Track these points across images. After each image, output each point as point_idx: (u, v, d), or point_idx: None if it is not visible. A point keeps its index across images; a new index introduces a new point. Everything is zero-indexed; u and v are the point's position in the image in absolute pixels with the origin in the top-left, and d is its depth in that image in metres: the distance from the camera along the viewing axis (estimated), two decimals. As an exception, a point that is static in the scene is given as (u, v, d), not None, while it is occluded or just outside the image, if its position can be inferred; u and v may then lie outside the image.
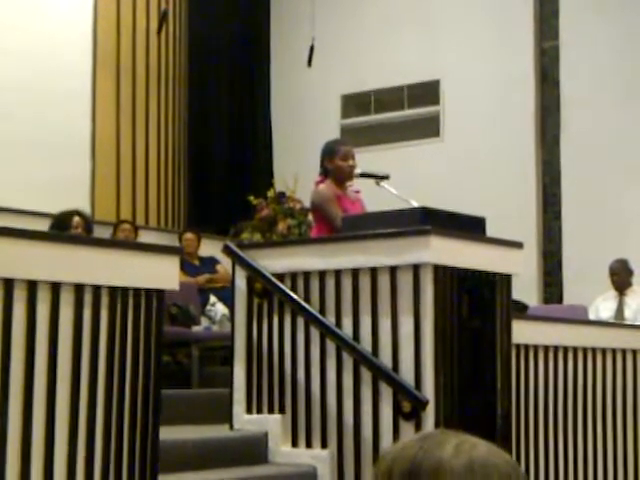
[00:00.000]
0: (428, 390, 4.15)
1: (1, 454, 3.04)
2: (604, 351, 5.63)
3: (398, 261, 4.26)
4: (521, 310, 7.00)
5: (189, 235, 8.45)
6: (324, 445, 4.46)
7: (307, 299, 4.55)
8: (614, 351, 5.71)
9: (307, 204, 6.87)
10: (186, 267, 7.82)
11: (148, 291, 3.51)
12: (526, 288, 7.83)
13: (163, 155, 9.72)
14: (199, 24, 10.26)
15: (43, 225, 5.90)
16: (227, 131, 10.43)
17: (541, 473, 5.10)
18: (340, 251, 4.46)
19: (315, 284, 4.55)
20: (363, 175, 5.27)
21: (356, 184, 5.45)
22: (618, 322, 7.43)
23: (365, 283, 4.37)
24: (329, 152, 5.34)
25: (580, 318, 7.00)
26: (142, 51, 9.61)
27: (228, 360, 5.09)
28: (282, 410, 4.63)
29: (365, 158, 6.89)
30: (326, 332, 4.45)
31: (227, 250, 4.88)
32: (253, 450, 4.60)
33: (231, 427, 4.75)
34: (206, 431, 4.83)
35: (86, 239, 4.46)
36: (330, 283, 4.50)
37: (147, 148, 9.55)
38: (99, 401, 3.32)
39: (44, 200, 7.59)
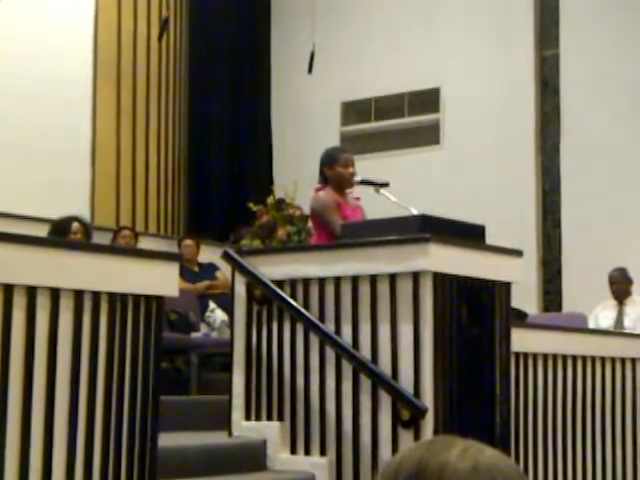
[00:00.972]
0: (427, 398, 4.15)
1: (0, 459, 3.04)
2: (603, 360, 5.63)
3: (398, 268, 4.26)
4: (520, 318, 6.99)
5: (188, 241, 8.45)
6: (323, 452, 4.45)
7: (306, 306, 4.55)
8: (613, 360, 5.70)
9: (307, 211, 6.87)
10: (185, 273, 7.81)
11: (147, 297, 3.51)
12: (525, 296, 7.82)
13: (163, 161, 9.73)
14: (200, 31, 10.27)
15: (42, 231, 5.90)
16: (227, 138, 10.43)
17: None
18: (340, 258, 4.46)
19: (315, 291, 4.55)
20: (363, 182, 5.27)
21: (356, 191, 5.45)
22: (617, 331, 7.42)
23: (365, 290, 4.37)
24: (329, 159, 5.34)
25: (579, 327, 7.00)
26: (143, 58, 9.62)
27: (227, 367, 5.09)
28: (281, 417, 4.62)
29: (365, 165, 6.89)
30: (325, 339, 4.45)
31: (226, 256, 4.88)
32: (252, 457, 4.59)
33: (230, 434, 4.75)
34: (205, 438, 4.82)
35: (85, 245, 4.47)
36: (330, 290, 4.50)
37: (147, 154, 9.56)
38: (98, 407, 3.32)
39: (44, 206, 7.59)
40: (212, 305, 7.58)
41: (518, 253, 4.71)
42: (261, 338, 4.71)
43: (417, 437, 4.15)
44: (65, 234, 5.89)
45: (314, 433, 4.50)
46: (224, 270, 7.70)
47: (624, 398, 5.76)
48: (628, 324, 7.78)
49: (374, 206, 5.32)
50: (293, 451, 4.57)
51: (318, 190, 5.33)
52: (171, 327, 6.90)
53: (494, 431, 4.40)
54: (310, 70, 9.44)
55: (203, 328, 7.36)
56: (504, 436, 4.49)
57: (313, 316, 4.50)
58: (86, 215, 7.58)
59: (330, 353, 4.45)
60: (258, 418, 4.69)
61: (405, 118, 10.07)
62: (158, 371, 3.55)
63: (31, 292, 3.16)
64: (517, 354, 4.90)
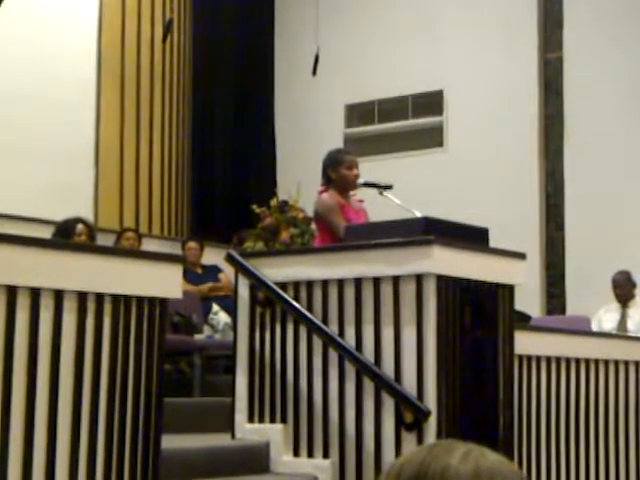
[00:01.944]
0: (430, 401, 4.15)
1: (3, 462, 3.04)
2: (607, 363, 5.62)
3: (401, 271, 4.26)
4: (524, 321, 6.99)
5: (192, 244, 8.45)
6: (326, 455, 4.45)
7: (310, 308, 4.55)
8: (617, 363, 5.70)
9: (310, 213, 6.87)
10: (189, 276, 7.82)
11: (151, 299, 3.52)
12: (529, 299, 7.82)
13: (167, 163, 9.74)
14: (204, 33, 10.28)
15: (46, 232, 5.91)
16: (231, 140, 10.44)
17: (543, 484, 5.09)
18: (343, 261, 4.46)
19: (318, 293, 4.55)
20: (366, 185, 5.27)
21: (359, 194, 5.45)
22: (621, 334, 7.42)
23: (368, 293, 4.37)
24: (333, 161, 5.33)
25: (583, 329, 6.99)
26: (147, 60, 9.63)
27: (230, 369, 5.09)
28: (284, 419, 4.62)
29: (368, 168, 6.89)
30: (328, 342, 4.45)
31: (230, 259, 4.88)
32: (255, 459, 4.59)
33: (233, 436, 4.75)
34: (208, 440, 4.82)
35: (89, 247, 4.47)
36: (333, 292, 4.50)
37: (151, 156, 9.57)
38: (101, 408, 3.32)
39: (48, 207, 7.60)
40: (215, 307, 7.58)
41: (521, 256, 4.71)
42: (264, 340, 4.71)
43: (420, 440, 4.15)
44: (69, 236, 5.90)
45: (317, 435, 4.49)
46: (227, 272, 7.71)
47: (627, 401, 5.75)
48: (631, 327, 7.78)
49: (377, 208, 5.32)
50: (296, 453, 4.57)
51: (321, 192, 5.33)
52: (174, 329, 6.91)
53: (497, 434, 4.40)
54: (314, 72, 9.45)
55: (206, 330, 7.37)
56: (507, 439, 4.49)
57: (316, 318, 4.50)
58: (90, 217, 7.59)
59: (333, 355, 4.45)
60: (261, 420, 4.69)
61: (409, 120, 10.07)
62: (161, 373, 3.56)
63: (35, 293, 3.17)
64: (520, 357, 4.89)
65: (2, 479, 3.03)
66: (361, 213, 5.35)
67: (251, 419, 4.71)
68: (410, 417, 4.16)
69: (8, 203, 7.60)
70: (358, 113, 10.43)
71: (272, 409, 4.66)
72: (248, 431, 4.70)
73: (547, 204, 9.34)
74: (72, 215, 6.26)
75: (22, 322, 3.13)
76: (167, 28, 9.55)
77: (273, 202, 9.24)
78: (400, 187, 5.38)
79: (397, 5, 10.17)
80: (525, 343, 4.85)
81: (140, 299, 3.48)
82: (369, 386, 4.32)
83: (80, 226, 6.07)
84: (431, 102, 9.90)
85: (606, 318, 7.92)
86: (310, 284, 4.57)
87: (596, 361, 5.54)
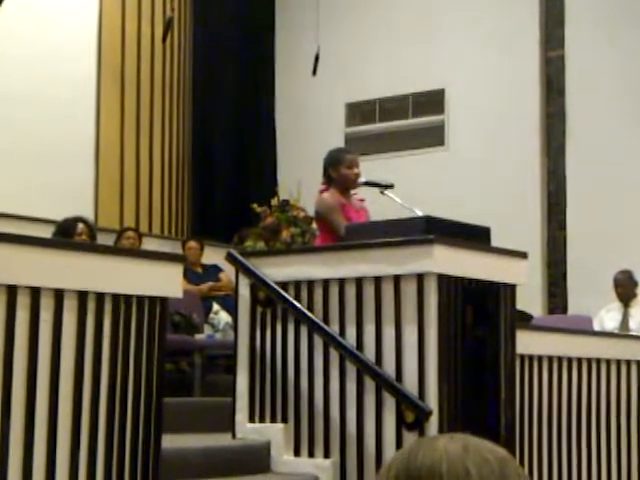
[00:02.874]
0: (432, 400, 4.14)
1: (3, 458, 3.03)
2: (608, 362, 5.61)
3: (402, 270, 4.25)
4: (525, 320, 6.98)
5: (192, 243, 8.44)
6: (327, 455, 4.44)
7: (310, 308, 4.54)
8: (619, 362, 5.69)
9: (311, 212, 6.86)
10: (189, 275, 7.81)
11: (151, 299, 3.51)
12: (530, 298, 7.81)
13: (167, 162, 9.73)
14: (204, 32, 10.27)
15: (46, 232, 5.90)
16: (231, 139, 10.43)
17: (545, 484, 5.08)
18: (344, 260, 4.45)
19: (319, 293, 4.54)
20: (367, 184, 5.26)
21: (360, 193, 5.44)
22: (623, 333, 7.41)
23: (369, 292, 4.36)
24: (334, 160, 5.32)
25: (584, 329, 6.99)
26: (147, 59, 9.62)
27: (231, 368, 5.08)
28: (285, 419, 4.61)
29: (369, 167, 6.88)
30: (329, 341, 4.44)
31: (230, 258, 4.87)
32: (255, 459, 4.58)
33: (233, 436, 4.74)
34: (208, 440, 4.81)
35: (90, 246, 4.46)
36: (334, 292, 4.48)
37: (151, 155, 9.56)
38: (101, 408, 3.31)
39: (47, 207, 7.59)
40: (216, 307, 7.57)
41: (523, 255, 4.69)
42: (265, 340, 4.70)
43: (421, 439, 4.13)
44: (70, 235, 5.89)
45: (318, 435, 4.48)
46: (228, 272, 7.70)
47: (629, 401, 5.74)
48: (633, 326, 7.77)
49: (378, 207, 5.31)
50: (297, 453, 4.56)
51: (322, 191, 5.32)
52: (175, 329, 6.90)
53: (499, 433, 4.38)
54: (315, 72, 9.44)
55: (207, 330, 7.36)
56: (509, 438, 4.48)
57: (317, 318, 4.49)
58: (90, 216, 7.57)
59: (334, 355, 4.44)
60: (262, 420, 4.68)
61: (410, 119, 10.06)
62: (162, 373, 3.55)
63: (35, 293, 3.16)
64: (522, 356, 4.88)
65: (2, 478, 3.02)
66: (362, 212, 5.34)
67: (252, 419, 4.70)
68: (411, 416, 4.15)
69: (8, 202, 7.59)
70: (359, 112, 10.42)
71: (273, 409, 4.65)
72: (249, 431, 4.69)
73: (549, 203, 9.33)
74: (72, 214, 6.25)
75: (22, 321, 3.12)
76: (167, 27, 9.54)
77: (274, 201, 9.23)
78: (401, 186, 5.37)
79: (398, 4, 10.16)
80: (527, 342, 4.84)
81: (140, 298, 3.47)
82: (370, 385, 4.31)
83: (80, 225, 6.06)
84: (432, 101, 9.89)
85: (608, 317, 7.91)
86: (311, 283, 4.56)
87: (598, 360, 5.53)
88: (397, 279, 4.27)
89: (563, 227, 9.16)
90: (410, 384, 4.19)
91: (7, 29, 8.23)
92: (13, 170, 8.15)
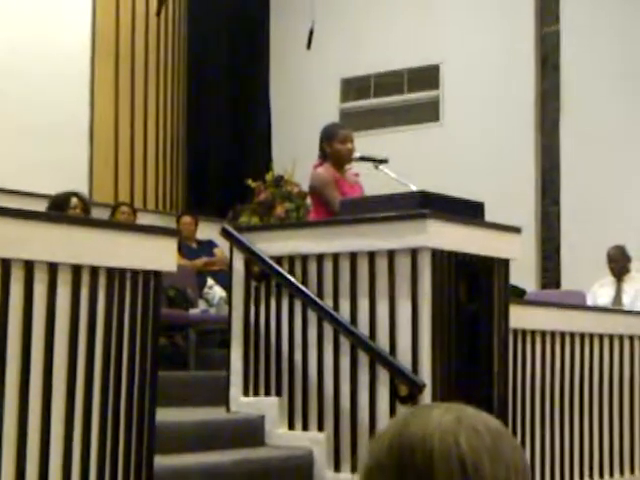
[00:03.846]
0: (425, 374, 4.16)
1: (-2, 433, 3.05)
2: (601, 337, 5.64)
3: (396, 245, 4.26)
4: (519, 295, 7.00)
5: (187, 218, 8.43)
6: (321, 428, 4.46)
7: (305, 282, 4.55)
8: (611, 337, 5.71)
9: (305, 187, 6.86)
10: (184, 250, 7.81)
11: (145, 272, 3.51)
12: (524, 273, 7.82)
13: (162, 138, 9.70)
14: (198, 7, 10.21)
15: (41, 206, 5.89)
16: (226, 114, 10.40)
17: (537, 457, 5.11)
18: (338, 235, 4.45)
19: (313, 267, 4.55)
20: (362, 159, 5.26)
21: (355, 167, 5.44)
22: (615, 308, 7.44)
23: (363, 267, 4.37)
24: (328, 135, 5.32)
25: (578, 304, 7.01)
26: (141, 34, 9.56)
27: (225, 343, 5.10)
28: (279, 393, 4.63)
29: (364, 142, 6.87)
30: (323, 315, 4.45)
31: (225, 233, 4.87)
32: (250, 432, 4.61)
33: (228, 409, 4.76)
34: (203, 413, 4.84)
35: (84, 220, 4.46)
36: (328, 266, 4.50)
37: (146, 131, 9.53)
38: (96, 382, 3.32)
39: (43, 182, 7.56)
40: (210, 282, 7.58)
41: (517, 230, 4.71)
42: (259, 314, 4.71)
43: (415, 413, 4.15)
44: (64, 209, 5.89)
45: (312, 409, 4.51)
46: (222, 247, 7.70)
47: (622, 375, 5.77)
48: (626, 301, 7.79)
49: (373, 182, 5.31)
50: (291, 426, 4.58)
51: (317, 166, 5.32)
52: (169, 303, 6.91)
53: (492, 407, 4.41)
54: (309, 46, 9.40)
55: (201, 304, 7.36)
56: (502, 413, 4.50)
57: (311, 292, 4.50)
58: (85, 191, 7.56)
59: (328, 329, 4.46)
60: (256, 394, 4.70)
61: (404, 95, 10.04)
62: (156, 347, 3.56)
63: (29, 266, 3.16)
64: (515, 331, 4.91)
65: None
66: (356, 187, 5.35)
67: (246, 392, 4.72)
68: (405, 390, 4.17)
69: (3, 177, 7.57)
70: (354, 87, 10.40)
71: (267, 382, 4.67)
72: (243, 404, 4.72)
73: (543, 178, 9.33)
74: (67, 189, 6.24)
75: (16, 295, 3.12)
76: (161, 2, 9.48)
77: (268, 177, 9.22)
78: (396, 161, 5.37)
79: (393, -22, 10.11)
80: (520, 317, 4.86)
81: (135, 272, 3.47)
82: (364, 359, 4.33)
83: (74, 199, 6.05)
84: (427, 76, 9.87)
85: (601, 292, 7.94)
86: (305, 258, 4.57)
87: (591, 335, 5.55)
88: (391, 254, 4.28)
89: (557, 202, 9.17)
90: (404, 358, 4.21)
91: (0, 6, 8.18)
92: (7, 146, 8.12)
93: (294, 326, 4.59)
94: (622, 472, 5.73)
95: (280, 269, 4.60)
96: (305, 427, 4.53)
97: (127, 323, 3.43)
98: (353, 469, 4.31)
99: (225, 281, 6.35)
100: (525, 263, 7.86)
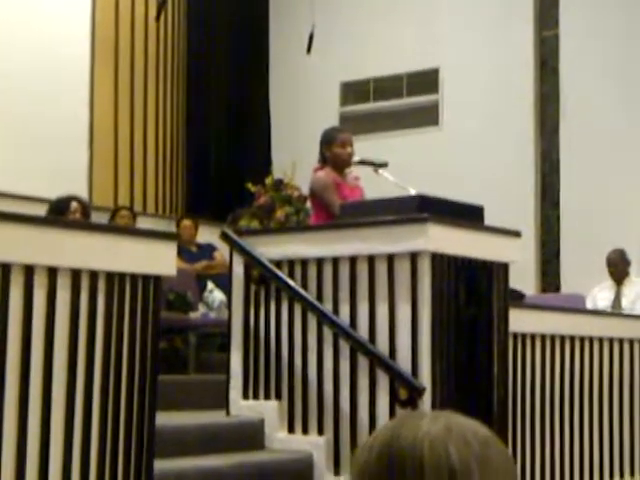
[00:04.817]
0: (425, 377, 4.16)
1: (-3, 438, 3.05)
2: (601, 340, 5.64)
3: (396, 249, 4.26)
4: (518, 299, 7.00)
5: (187, 222, 8.44)
6: (320, 431, 4.47)
7: (304, 286, 4.55)
8: (611, 340, 5.72)
9: (305, 191, 6.86)
10: (184, 254, 7.82)
11: (145, 277, 3.51)
12: (523, 277, 7.83)
13: (161, 141, 9.71)
14: (198, 11, 10.22)
15: (40, 210, 5.89)
16: (225, 118, 10.40)
17: (537, 461, 5.11)
18: (338, 238, 4.46)
19: (312, 271, 4.55)
20: (361, 162, 5.27)
21: (355, 171, 5.45)
22: (615, 312, 7.44)
23: (363, 270, 4.38)
24: (327, 139, 5.33)
25: (577, 307, 7.01)
26: (141, 38, 9.57)
27: (225, 346, 5.10)
28: (279, 396, 4.63)
29: (364, 146, 6.88)
30: (323, 319, 4.46)
31: (225, 237, 4.88)
32: (249, 436, 4.61)
33: (227, 413, 4.76)
34: (203, 417, 4.84)
35: (84, 224, 4.46)
36: (328, 270, 4.50)
37: (145, 134, 9.53)
38: (96, 385, 3.32)
39: (42, 186, 7.57)
40: (210, 285, 7.58)
41: (516, 234, 4.71)
42: (259, 318, 4.72)
43: (414, 417, 4.15)
44: (63, 213, 5.88)
45: (312, 412, 4.51)
46: (222, 251, 7.70)
47: (621, 379, 5.78)
48: (626, 305, 7.79)
49: (373, 186, 5.32)
50: (291, 430, 4.58)
51: (317, 170, 5.33)
52: (169, 307, 6.91)
53: (491, 411, 4.41)
54: (309, 50, 9.41)
55: (201, 308, 7.37)
56: (501, 416, 4.50)
57: (311, 296, 4.50)
58: (84, 195, 7.56)
59: (328, 333, 4.46)
60: (256, 397, 4.71)
61: (404, 99, 10.04)
62: (156, 350, 3.56)
63: (29, 271, 3.16)
64: (515, 335, 4.91)
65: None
66: (356, 190, 5.35)
67: (246, 396, 4.73)
68: (405, 394, 4.17)
69: (2, 181, 7.57)
70: (353, 91, 10.40)
71: (267, 386, 4.68)
72: (243, 408, 4.72)
73: (542, 182, 9.34)
74: (66, 193, 6.24)
75: (16, 299, 3.12)
76: (161, 6, 9.49)
77: (268, 180, 9.22)
78: (395, 165, 5.38)
79: (392, -18, 10.12)
80: (520, 321, 4.86)
81: (134, 276, 3.47)
82: (364, 363, 4.33)
83: (74, 204, 6.05)
84: (426, 80, 9.88)
85: (601, 296, 7.94)
86: (305, 262, 4.58)
87: (590, 339, 5.55)
88: (391, 257, 4.28)
89: (557, 206, 9.17)
90: (403, 362, 4.22)
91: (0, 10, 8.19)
92: (7, 151, 8.13)
93: (294, 330, 4.59)
94: (622, 475, 5.73)
95: (280, 273, 4.61)
96: (305, 431, 4.53)
97: (127, 327, 3.43)
98: (353, 473, 4.30)
99: (225, 285, 6.35)
100: (524, 267, 7.87)
